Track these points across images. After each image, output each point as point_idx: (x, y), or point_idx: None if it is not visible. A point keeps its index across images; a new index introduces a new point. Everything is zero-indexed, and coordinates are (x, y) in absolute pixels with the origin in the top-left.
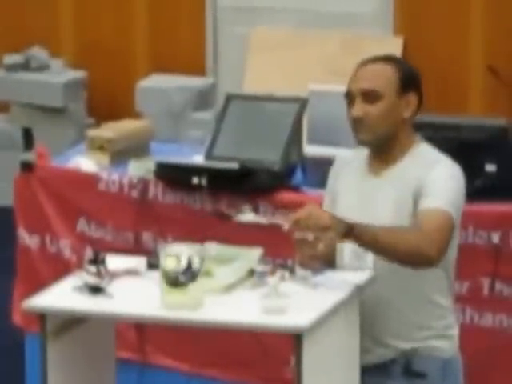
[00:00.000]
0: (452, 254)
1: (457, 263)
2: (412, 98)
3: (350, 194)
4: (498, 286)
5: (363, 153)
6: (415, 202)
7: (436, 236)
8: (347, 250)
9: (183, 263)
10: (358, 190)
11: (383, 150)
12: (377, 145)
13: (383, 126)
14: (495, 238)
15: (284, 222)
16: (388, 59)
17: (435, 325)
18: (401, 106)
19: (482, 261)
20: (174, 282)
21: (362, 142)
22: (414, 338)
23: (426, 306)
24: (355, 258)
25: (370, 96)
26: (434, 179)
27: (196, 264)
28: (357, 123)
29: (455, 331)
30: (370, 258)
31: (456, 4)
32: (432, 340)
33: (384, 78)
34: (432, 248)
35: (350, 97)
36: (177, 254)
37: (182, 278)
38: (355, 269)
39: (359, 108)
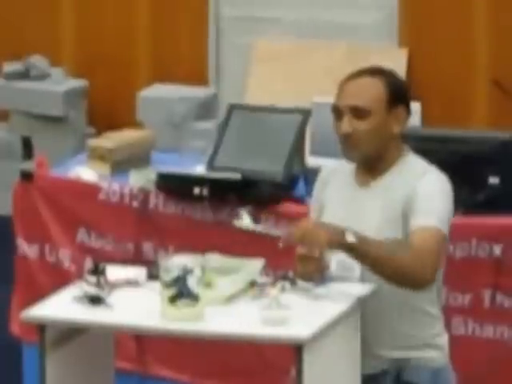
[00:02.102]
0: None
1: (458, 275)
2: (401, 112)
3: (337, 205)
4: (500, 298)
5: (349, 164)
6: (404, 214)
7: (430, 259)
8: (334, 261)
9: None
10: (345, 201)
11: (371, 163)
12: (366, 160)
13: (372, 143)
14: (497, 250)
15: (280, 233)
16: (375, 72)
17: (425, 334)
18: (390, 122)
19: (483, 273)
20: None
21: (350, 158)
22: (405, 348)
23: (416, 315)
24: (342, 269)
25: (359, 112)
26: (423, 194)
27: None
28: (345, 139)
29: (444, 340)
30: (357, 269)
31: (461, 15)
32: (422, 349)
33: (372, 94)
34: (426, 272)
35: (337, 112)
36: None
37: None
38: (342, 280)
39: (348, 124)
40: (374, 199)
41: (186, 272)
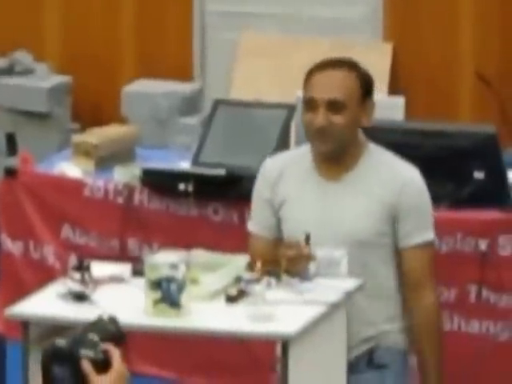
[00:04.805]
0: None
1: (444, 270)
2: (370, 105)
3: (304, 199)
4: (485, 293)
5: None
6: (390, 215)
7: (431, 284)
8: (319, 257)
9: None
10: (315, 196)
11: (339, 156)
12: (336, 154)
13: (346, 136)
14: (482, 245)
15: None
16: (346, 65)
17: (391, 318)
18: (361, 115)
19: (469, 268)
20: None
21: (322, 151)
22: (375, 334)
23: (383, 302)
24: (327, 266)
25: (335, 106)
26: (412, 208)
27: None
28: (320, 133)
29: (406, 322)
30: (344, 264)
31: (446, 10)
32: (391, 332)
33: (348, 87)
34: (435, 297)
35: (312, 104)
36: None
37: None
38: (326, 276)
39: (323, 117)
40: (350, 193)
41: (170, 279)
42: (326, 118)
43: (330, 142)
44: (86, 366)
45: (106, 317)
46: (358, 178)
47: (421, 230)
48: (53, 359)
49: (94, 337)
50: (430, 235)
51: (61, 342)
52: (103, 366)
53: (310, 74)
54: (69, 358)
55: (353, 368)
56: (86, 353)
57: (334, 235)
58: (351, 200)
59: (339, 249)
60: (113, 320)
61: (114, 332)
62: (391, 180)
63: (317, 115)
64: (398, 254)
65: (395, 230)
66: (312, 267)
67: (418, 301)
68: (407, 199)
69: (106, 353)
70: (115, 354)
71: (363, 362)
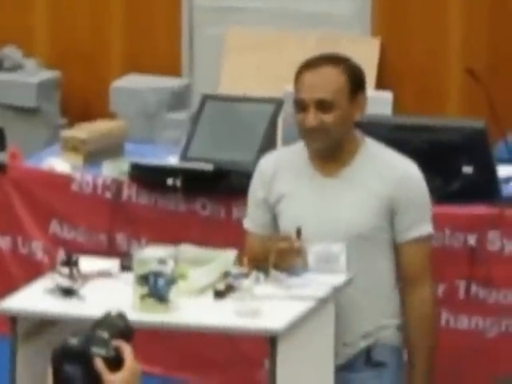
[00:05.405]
0: None
1: (432, 265)
2: (361, 99)
3: (301, 195)
4: (474, 288)
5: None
6: (389, 209)
7: (428, 278)
8: (313, 253)
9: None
10: (310, 191)
11: (334, 152)
12: (331, 150)
13: (338, 133)
14: (471, 240)
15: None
16: (335, 61)
17: (390, 316)
18: (352, 110)
19: (458, 263)
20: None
21: (316, 150)
22: (373, 332)
23: (382, 299)
24: (323, 261)
25: (324, 105)
26: (411, 201)
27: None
28: (311, 132)
29: (402, 320)
30: (342, 259)
31: (434, 5)
32: (388, 330)
33: (336, 85)
34: (431, 291)
35: (302, 105)
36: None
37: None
38: (323, 271)
39: (314, 117)
40: (347, 188)
41: (157, 274)
42: (317, 118)
43: (322, 140)
44: (99, 365)
45: (113, 312)
46: (355, 173)
47: (419, 224)
48: (64, 358)
49: (103, 334)
50: (427, 229)
51: (72, 340)
52: (115, 363)
53: (299, 73)
54: (80, 357)
55: (351, 366)
56: (97, 351)
57: (331, 230)
58: (348, 195)
59: (337, 244)
60: (121, 315)
61: (122, 328)
62: (389, 174)
63: (307, 115)
64: (396, 248)
65: (393, 224)
66: (308, 262)
67: (414, 295)
68: (405, 193)
69: (117, 350)
70: (127, 350)
71: (361, 360)
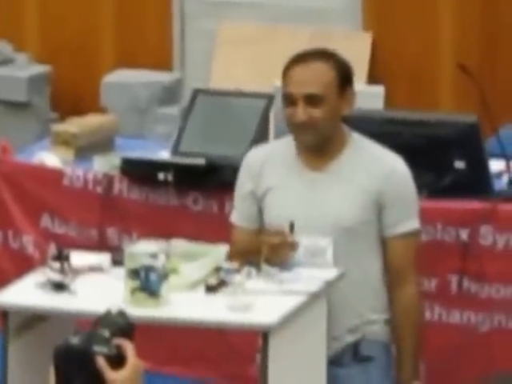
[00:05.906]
0: None
1: (425, 260)
2: (350, 94)
3: (288, 188)
4: (466, 283)
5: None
6: (376, 203)
7: (414, 273)
8: (302, 247)
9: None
10: (298, 184)
11: (323, 147)
12: (320, 145)
13: (328, 128)
14: (464, 234)
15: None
16: (323, 56)
17: (377, 310)
18: (341, 105)
19: (450, 258)
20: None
21: (305, 145)
22: (361, 326)
23: (371, 294)
24: (312, 255)
25: (314, 100)
26: (398, 196)
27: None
28: (300, 127)
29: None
30: (329, 253)
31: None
32: (376, 325)
33: (325, 80)
34: (418, 287)
35: (290, 99)
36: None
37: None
38: (311, 266)
39: (303, 112)
40: (335, 182)
41: (149, 268)
42: (306, 112)
43: (311, 134)
44: (101, 363)
45: (114, 310)
46: (343, 167)
47: (405, 219)
48: (66, 357)
49: (104, 332)
50: (414, 224)
51: (73, 339)
52: (117, 361)
53: (287, 67)
54: (82, 356)
55: (338, 361)
56: (99, 349)
57: (319, 224)
58: (336, 189)
59: (324, 238)
60: (122, 313)
61: (123, 325)
62: (376, 169)
63: (296, 110)
64: (383, 242)
65: (380, 218)
66: (295, 256)
67: (399, 289)
68: (392, 188)
69: (119, 348)
70: (128, 348)
71: (348, 355)
